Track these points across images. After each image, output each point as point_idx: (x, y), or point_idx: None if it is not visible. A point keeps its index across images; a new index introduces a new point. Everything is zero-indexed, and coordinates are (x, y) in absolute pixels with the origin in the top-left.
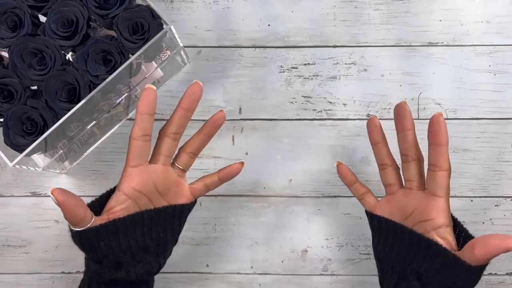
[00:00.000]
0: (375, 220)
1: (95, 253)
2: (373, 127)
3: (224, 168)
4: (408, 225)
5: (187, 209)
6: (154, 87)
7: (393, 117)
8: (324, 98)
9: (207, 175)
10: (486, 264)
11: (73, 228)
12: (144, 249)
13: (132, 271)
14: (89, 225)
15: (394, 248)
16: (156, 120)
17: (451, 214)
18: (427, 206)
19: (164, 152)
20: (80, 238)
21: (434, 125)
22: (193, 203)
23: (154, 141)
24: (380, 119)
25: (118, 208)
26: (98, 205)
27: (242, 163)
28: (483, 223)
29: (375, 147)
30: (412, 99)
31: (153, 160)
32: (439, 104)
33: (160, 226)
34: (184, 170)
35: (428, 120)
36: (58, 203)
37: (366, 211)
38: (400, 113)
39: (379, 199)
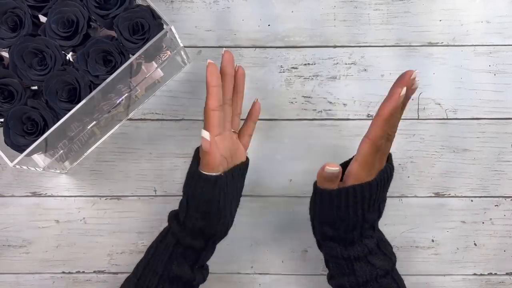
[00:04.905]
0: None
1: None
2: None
3: (251, 111)
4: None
5: (247, 166)
6: (211, 61)
7: None
8: (324, 98)
9: (244, 127)
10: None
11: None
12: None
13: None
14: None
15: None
16: (156, 120)
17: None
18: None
19: (228, 119)
20: (216, 182)
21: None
22: (248, 160)
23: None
24: None
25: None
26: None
27: (257, 100)
28: (483, 223)
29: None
30: (412, 99)
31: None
32: (439, 104)
33: (240, 183)
34: (236, 133)
35: (428, 120)
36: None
37: None
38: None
39: None
